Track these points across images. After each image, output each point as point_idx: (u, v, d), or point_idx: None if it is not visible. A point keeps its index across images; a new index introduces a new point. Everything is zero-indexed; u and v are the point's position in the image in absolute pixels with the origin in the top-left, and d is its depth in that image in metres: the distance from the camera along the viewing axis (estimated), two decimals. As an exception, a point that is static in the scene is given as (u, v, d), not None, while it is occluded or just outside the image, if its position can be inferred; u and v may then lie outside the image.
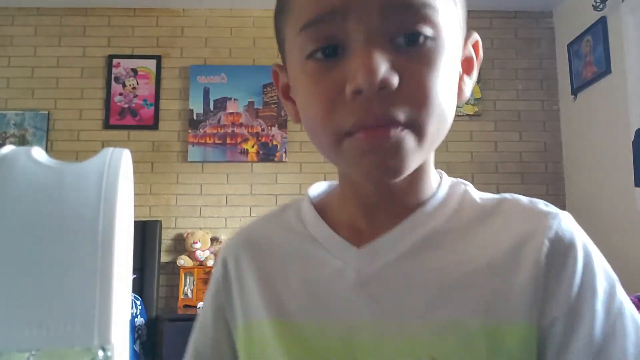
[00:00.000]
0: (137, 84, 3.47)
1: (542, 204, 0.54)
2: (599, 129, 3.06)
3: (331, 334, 0.51)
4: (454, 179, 0.58)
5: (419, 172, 0.53)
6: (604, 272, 0.50)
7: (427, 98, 0.45)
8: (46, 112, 3.41)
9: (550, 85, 3.54)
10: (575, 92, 3.28)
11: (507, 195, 0.57)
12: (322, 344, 0.51)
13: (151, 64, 3.49)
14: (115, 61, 3.48)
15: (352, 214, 0.56)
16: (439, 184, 0.56)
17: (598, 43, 3.00)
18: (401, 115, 0.44)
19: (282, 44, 0.54)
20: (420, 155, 0.47)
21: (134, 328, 2.87)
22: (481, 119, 3.48)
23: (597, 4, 2.89)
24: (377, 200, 0.54)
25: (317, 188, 0.63)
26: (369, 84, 0.43)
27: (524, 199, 0.56)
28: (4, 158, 0.29)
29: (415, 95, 0.45)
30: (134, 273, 2.90)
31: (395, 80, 0.43)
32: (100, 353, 0.26)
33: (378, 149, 0.45)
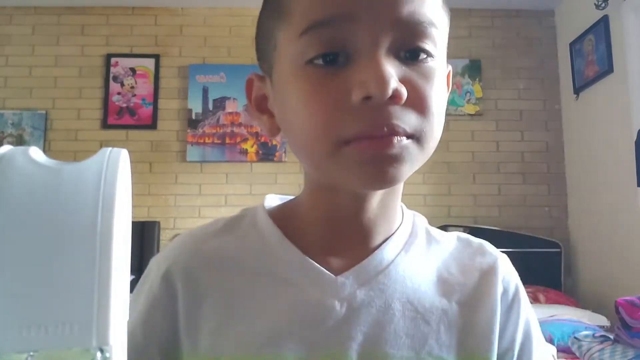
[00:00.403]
0: (136, 83, 3.46)
1: (487, 246, 0.60)
2: (601, 129, 3.06)
3: None
4: (412, 211, 0.61)
5: (392, 198, 0.55)
6: (532, 311, 0.59)
7: (430, 113, 0.46)
8: (44, 111, 3.41)
9: (552, 84, 3.54)
10: (577, 91, 3.28)
11: (459, 234, 0.61)
12: None
13: (150, 63, 3.49)
14: (113, 60, 3.48)
15: (321, 234, 0.54)
16: (402, 215, 0.59)
17: (600, 42, 3.00)
18: (406, 125, 0.45)
19: (269, 49, 0.51)
20: (416, 164, 0.48)
21: (133, 329, 2.87)
22: (482, 118, 3.47)
23: (599, 2, 2.88)
24: (352, 221, 0.53)
25: (271, 201, 0.59)
26: (381, 91, 0.42)
27: (473, 239, 0.61)
28: (2, 158, 0.29)
29: (419, 109, 0.45)
30: (132, 274, 2.89)
31: (405, 92, 0.44)
32: (99, 354, 0.25)
33: (380, 158, 0.45)
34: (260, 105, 0.55)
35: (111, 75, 3.46)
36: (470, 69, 3.48)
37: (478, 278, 0.56)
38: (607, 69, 2.94)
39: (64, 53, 3.48)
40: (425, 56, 0.46)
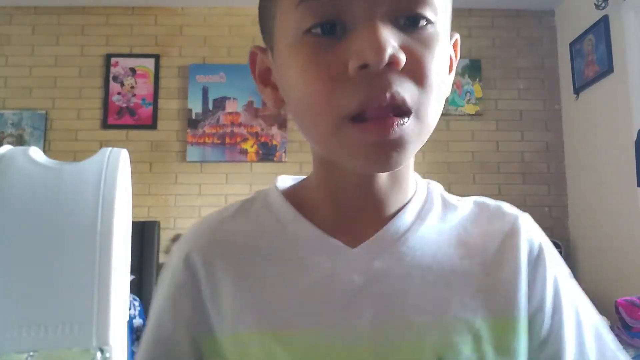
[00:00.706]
0: (136, 83, 3.45)
1: (506, 207, 0.58)
2: (601, 129, 3.05)
3: (332, 341, 0.48)
4: (427, 180, 0.60)
5: (403, 170, 0.53)
6: (563, 266, 0.57)
7: (429, 80, 0.45)
8: (44, 111, 3.40)
9: (552, 84, 3.54)
10: (577, 91, 3.27)
11: (476, 198, 0.60)
12: (322, 353, 0.48)
13: (150, 63, 3.48)
14: (113, 60, 3.47)
15: (332, 210, 0.54)
16: (416, 184, 0.57)
17: (600, 42, 3.00)
18: (406, 94, 0.44)
19: (271, 21, 0.51)
20: (418, 144, 0.47)
21: (132, 329, 2.85)
22: (483, 118, 3.47)
23: (599, 2, 2.88)
24: (361, 196, 0.53)
25: (284, 181, 0.59)
26: (377, 58, 0.41)
27: (490, 201, 0.59)
28: (2, 158, 0.28)
29: (419, 76, 0.44)
30: (132, 274, 2.89)
31: (403, 57, 0.42)
32: (99, 354, 0.25)
33: (383, 142, 0.44)
34: (264, 78, 0.55)
35: (111, 75, 3.46)
36: (470, 68, 3.47)
37: (499, 240, 0.54)
38: (607, 68, 2.93)
39: (64, 53, 3.47)
40: (425, 23, 0.45)
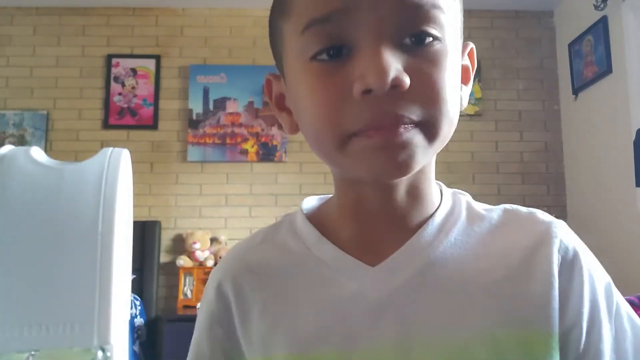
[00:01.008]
0: (137, 84, 3.46)
1: (540, 214, 0.56)
2: (600, 129, 3.06)
3: (358, 359, 0.49)
4: (453, 190, 0.59)
5: (421, 183, 0.53)
6: (602, 275, 0.53)
7: (438, 98, 0.45)
8: (45, 111, 3.41)
9: (551, 85, 3.54)
10: (576, 91, 3.27)
11: (507, 206, 0.57)
12: None
13: (150, 63, 3.49)
14: (114, 61, 3.48)
15: (354, 229, 0.54)
16: (440, 196, 0.56)
17: (599, 43, 3.00)
18: (413, 115, 0.44)
19: (280, 47, 0.52)
20: (429, 153, 0.47)
21: (133, 328, 2.86)
22: (482, 118, 3.47)
23: (598, 3, 2.88)
24: (381, 212, 0.53)
25: (309, 203, 0.60)
26: (380, 83, 0.42)
27: (522, 209, 0.57)
28: (3, 158, 0.29)
29: (426, 95, 0.44)
30: (133, 273, 2.89)
31: (407, 80, 0.43)
32: (100, 354, 0.25)
33: (388, 146, 0.44)
34: (279, 103, 0.56)
35: (112, 75, 3.46)
36: (469, 69, 3.48)
37: (528, 249, 0.51)
38: (606, 69, 2.94)
39: (65, 53, 3.48)
40: (431, 39, 0.45)
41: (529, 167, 3.47)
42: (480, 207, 0.57)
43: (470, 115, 3.46)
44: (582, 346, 0.49)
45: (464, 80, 0.54)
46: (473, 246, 0.52)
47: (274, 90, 0.57)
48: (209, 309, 0.57)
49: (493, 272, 0.50)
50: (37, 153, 0.29)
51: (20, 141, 3.34)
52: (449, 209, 0.55)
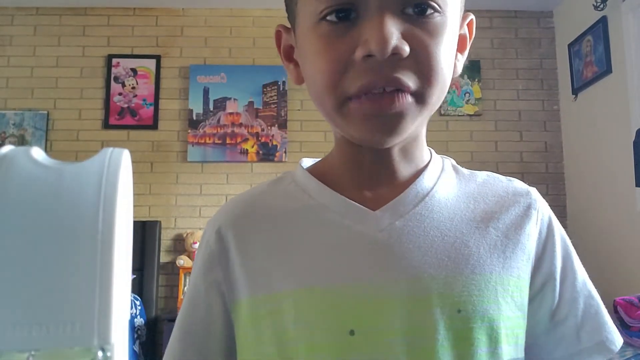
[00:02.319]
0: (137, 84, 3.47)
1: (517, 181, 0.62)
2: (599, 129, 3.06)
3: (362, 294, 0.51)
4: (440, 154, 0.64)
5: (412, 145, 0.57)
6: (566, 235, 0.61)
7: (433, 69, 0.48)
8: (45, 112, 3.41)
9: (550, 85, 3.55)
10: (575, 91, 3.28)
11: (487, 172, 0.63)
12: (351, 306, 0.51)
13: (151, 63, 3.49)
14: (114, 61, 3.48)
15: (354, 181, 0.58)
16: (430, 155, 0.61)
17: (598, 43, 3.00)
18: (409, 82, 0.47)
19: (293, 4, 0.55)
20: (418, 119, 0.51)
21: (133, 328, 2.87)
22: (481, 118, 3.48)
23: (598, 3, 2.88)
24: (377, 167, 0.57)
25: (307, 162, 0.63)
26: (381, 50, 0.45)
27: (502, 176, 0.63)
28: (3, 158, 0.29)
29: (422, 65, 0.48)
30: (133, 273, 2.90)
31: (406, 48, 0.46)
32: (100, 353, 0.26)
33: (381, 114, 0.48)
34: (288, 55, 0.59)
35: (112, 75, 3.47)
36: (469, 69, 3.48)
37: (514, 208, 0.58)
38: (606, 69, 2.94)
39: (65, 54, 3.49)
40: (432, 11, 0.48)
41: (529, 167, 3.47)
42: (463, 169, 0.63)
43: (470, 115, 3.46)
44: (557, 295, 0.57)
45: (461, 49, 0.57)
46: (463, 198, 0.58)
47: (283, 42, 0.60)
48: (208, 251, 0.59)
49: (486, 224, 0.56)
50: (38, 153, 0.29)
51: (21, 141, 3.34)
52: (441, 167, 0.60)
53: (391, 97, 0.48)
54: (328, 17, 0.48)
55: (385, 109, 0.48)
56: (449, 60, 0.50)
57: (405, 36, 0.47)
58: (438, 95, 0.51)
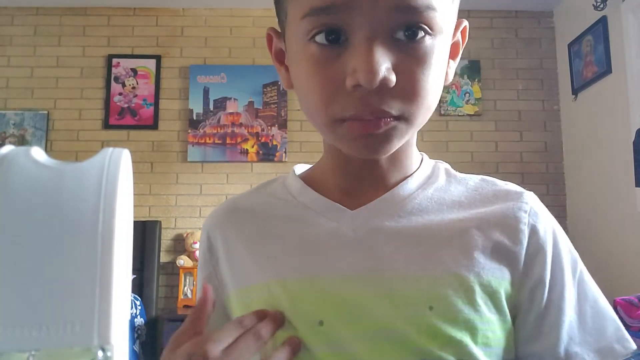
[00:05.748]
0: (137, 84, 3.47)
1: (513, 185, 0.61)
2: (599, 129, 3.06)
3: (329, 287, 0.53)
4: (435, 160, 0.65)
5: (400, 154, 0.58)
6: (569, 247, 0.58)
7: (419, 95, 0.49)
8: (45, 112, 3.41)
9: (550, 85, 3.54)
10: (575, 92, 3.28)
11: (484, 176, 0.63)
12: (321, 296, 0.53)
13: (151, 63, 3.49)
14: (114, 61, 3.48)
15: (339, 183, 0.60)
16: (421, 162, 0.62)
17: (598, 43, 3.00)
18: (394, 109, 0.49)
19: (283, 16, 0.55)
20: (405, 137, 0.53)
21: (133, 328, 2.87)
22: (481, 118, 3.47)
23: (598, 3, 2.88)
24: (364, 174, 0.58)
25: (301, 167, 0.66)
26: (369, 82, 0.46)
27: (499, 180, 0.62)
28: (3, 158, 0.29)
29: (408, 93, 0.49)
30: (133, 273, 2.90)
31: (393, 79, 0.47)
32: (100, 353, 0.26)
33: (369, 136, 0.50)
34: (279, 58, 0.60)
35: (112, 75, 3.47)
36: (469, 69, 3.48)
37: (501, 211, 0.57)
38: (606, 69, 2.94)
39: (65, 54, 3.49)
40: (423, 34, 0.48)
41: (529, 167, 3.47)
42: (458, 173, 0.63)
43: (470, 115, 3.46)
44: (544, 302, 0.55)
45: (453, 56, 0.57)
46: (448, 201, 0.58)
47: (274, 45, 0.60)
48: (201, 250, 0.65)
49: (467, 223, 0.55)
50: (38, 153, 0.29)
51: (21, 141, 3.34)
52: (429, 172, 0.61)
53: (377, 122, 0.49)
54: (317, 39, 0.49)
55: (372, 129, 0.49)
56: (437, 81, 0.51)
57: (393, 65, 0.47)
58: (424, 115, 0.52)
